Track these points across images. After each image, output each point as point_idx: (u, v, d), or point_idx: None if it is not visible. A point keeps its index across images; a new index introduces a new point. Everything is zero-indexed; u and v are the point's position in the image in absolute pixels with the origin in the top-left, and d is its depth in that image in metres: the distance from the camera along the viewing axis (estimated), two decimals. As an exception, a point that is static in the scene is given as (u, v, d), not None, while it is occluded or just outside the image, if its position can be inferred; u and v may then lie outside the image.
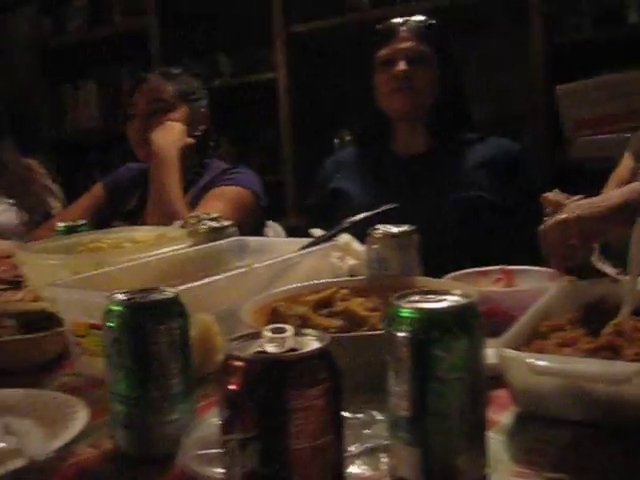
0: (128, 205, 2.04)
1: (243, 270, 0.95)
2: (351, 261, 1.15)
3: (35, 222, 2.25)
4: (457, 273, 1.06)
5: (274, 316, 0.85)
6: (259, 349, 0.47)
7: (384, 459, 0.57)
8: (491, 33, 2.71)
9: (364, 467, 0.56)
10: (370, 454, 0.57)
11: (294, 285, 0.95)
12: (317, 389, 0.45)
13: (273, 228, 2.23)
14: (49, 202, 2.43)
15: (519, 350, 0.70)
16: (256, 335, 0.51)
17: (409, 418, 0.54)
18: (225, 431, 0.45)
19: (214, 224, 1.32)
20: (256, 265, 0.96)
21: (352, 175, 1.85)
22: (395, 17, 1.80)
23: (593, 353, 0.72)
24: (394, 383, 0.55)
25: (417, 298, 0.57)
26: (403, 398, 0.54)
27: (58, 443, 0.67)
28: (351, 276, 1.11)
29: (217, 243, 1.25)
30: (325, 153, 2.13)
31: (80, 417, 0.72)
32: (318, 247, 1.11)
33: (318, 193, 1.91)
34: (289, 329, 0.47)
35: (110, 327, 0.65)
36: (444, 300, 0.56)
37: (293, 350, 0.46)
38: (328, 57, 2.92)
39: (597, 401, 0.64)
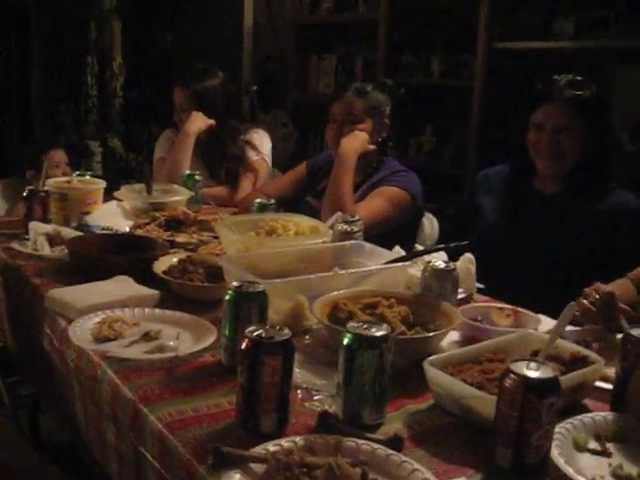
0: (319, 186, 2.59)
1: (330, 274, 1.51)
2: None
3: None
4: (478, 304, 1.52)
5: (334, 309, 1.40)
6: (260, 333, 1.04)
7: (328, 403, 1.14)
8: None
9: (316, 404, 1.13)
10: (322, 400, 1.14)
11: (360, 288, 1.48)
12: (276, 356, 1.02)
13: (430, 220, 2.72)
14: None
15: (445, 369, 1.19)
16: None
17: (341, 384, 1.09)
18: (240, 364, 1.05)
19: (346, 227, 1.87)
20: (340, 272, 1.51)
21: (492, 193, 2.25)
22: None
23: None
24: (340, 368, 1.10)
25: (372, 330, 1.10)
26: (341, 375, 1.09)
27: (196, 348, 1.32)
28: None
29: (342, 243, 1.81)
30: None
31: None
32: (395, 264, 1.62)
33: (464, 202, 2.36)
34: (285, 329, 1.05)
35: (226, 299, 1.26)
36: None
37: (271, 337, 1.03)
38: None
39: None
